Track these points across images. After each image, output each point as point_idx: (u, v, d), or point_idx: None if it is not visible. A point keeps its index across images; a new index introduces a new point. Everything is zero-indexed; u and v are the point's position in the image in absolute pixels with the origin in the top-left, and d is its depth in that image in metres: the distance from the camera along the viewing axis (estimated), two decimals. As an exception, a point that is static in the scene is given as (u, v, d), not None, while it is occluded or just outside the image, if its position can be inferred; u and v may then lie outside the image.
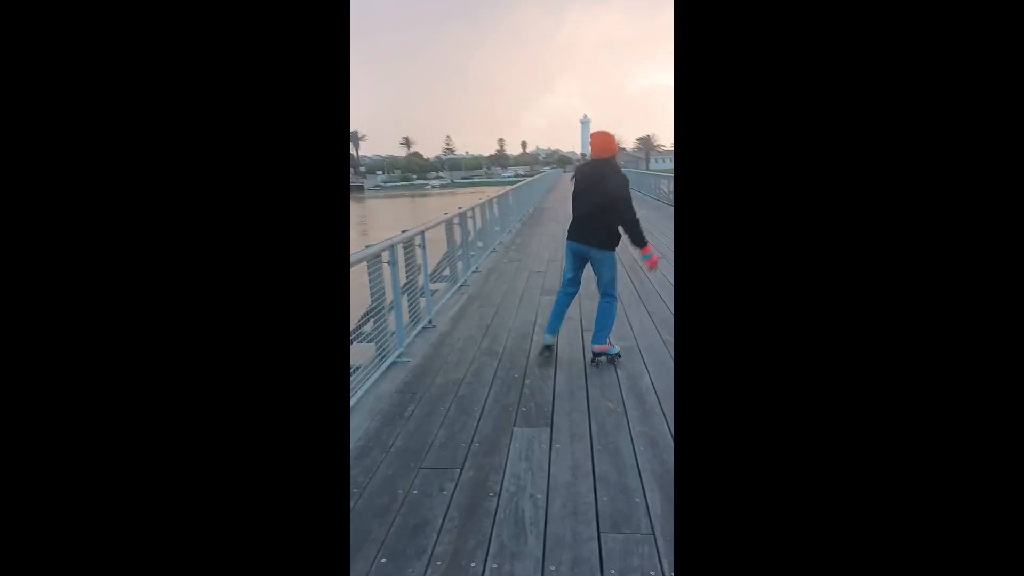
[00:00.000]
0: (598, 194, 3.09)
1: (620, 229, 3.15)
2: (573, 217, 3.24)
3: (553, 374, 3.18)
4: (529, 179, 19.36)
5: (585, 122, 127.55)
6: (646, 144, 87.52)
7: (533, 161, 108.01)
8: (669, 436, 2.41)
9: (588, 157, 3.25)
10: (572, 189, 3.27)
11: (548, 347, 3.43)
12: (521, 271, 6.35)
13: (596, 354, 3.26)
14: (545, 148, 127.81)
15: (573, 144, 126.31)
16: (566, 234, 3.32)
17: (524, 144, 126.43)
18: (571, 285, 3.34)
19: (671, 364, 3.26)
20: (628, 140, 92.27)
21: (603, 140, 3.17)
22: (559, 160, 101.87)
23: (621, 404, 2.75)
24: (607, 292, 3.24)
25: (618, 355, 3.31)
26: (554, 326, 3.42)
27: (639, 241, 3.13)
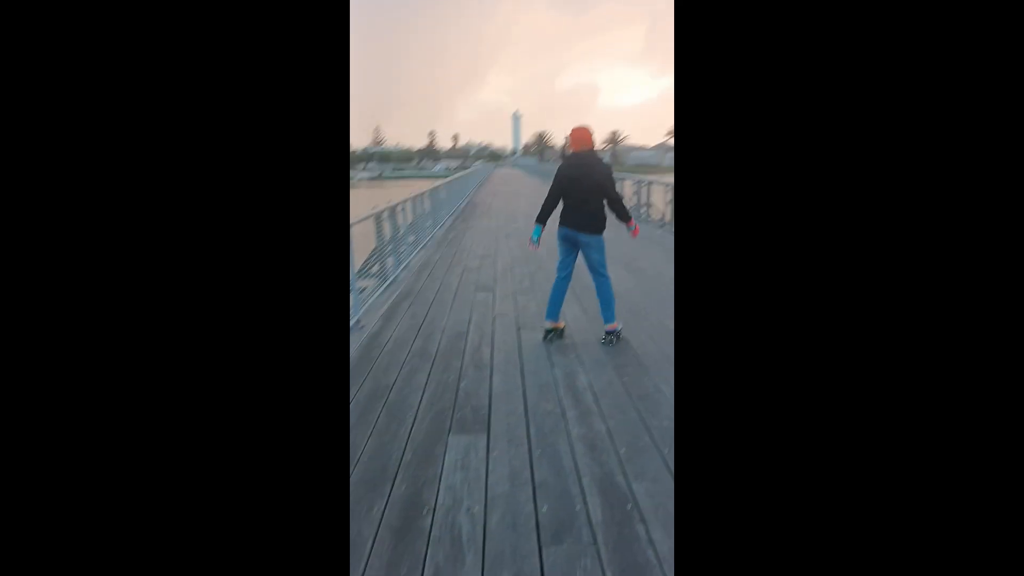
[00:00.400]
0: (587, 183, 3.38)
1: (606, 212, 3.47)
2: (564, 206, 3.51)
3: (489, 376, 3.07)
4: (461, 173, 19.13)
5: (517, 117, 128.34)
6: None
7: (465, 155, 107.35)
8: (607, 437, 2.36)
9: (566, 151, 3.55)
10: (556, 182, 3.51)
11: (549, 331, 3.60)
12: (454, 267, 6.19)
13: (608, 332, 3.51)
14: (477, 142, 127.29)
15: (505, 139, 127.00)
16: (558, 221, 3.55)
17: (456, 138, 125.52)
18: (563, 268, 3.59)
19: (605, 360, 3.24)
20: (559, 137, 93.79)
21: (582, 135, 3.46)
22: (491, 155, 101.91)
23: (558, 405, 2.69)
24: (599, 272, 3.49)
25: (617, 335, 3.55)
26: (553, 311, 3.60)
27: (626, 217, 3.54)
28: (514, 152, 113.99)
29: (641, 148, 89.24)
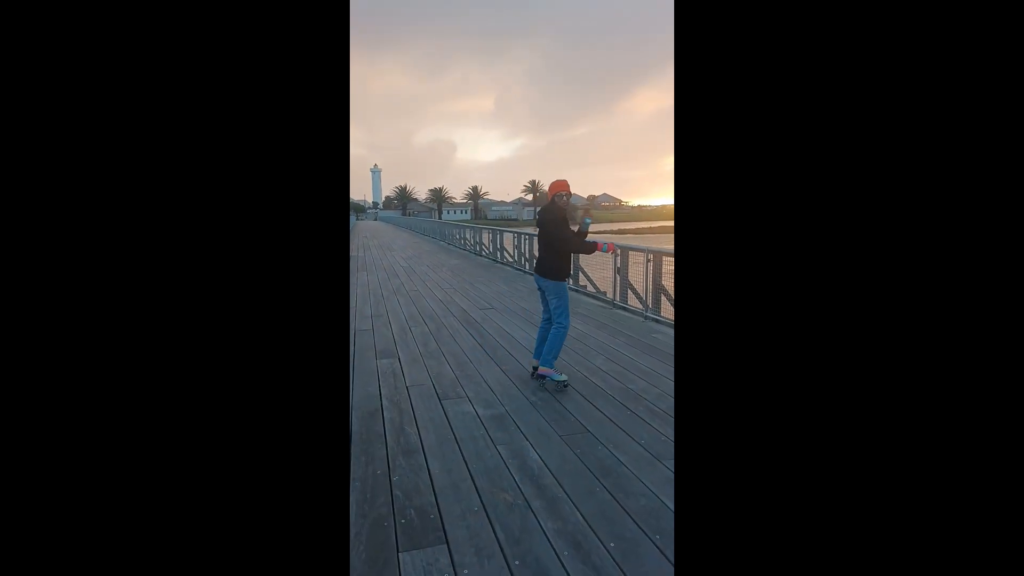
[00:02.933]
0: (544, 232, 3.65)
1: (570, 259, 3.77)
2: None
3: (424, 462, 2.58)
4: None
5: (376, 172, 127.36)
6: (437, 196, 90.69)
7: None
8: (587, 527, 2.03)
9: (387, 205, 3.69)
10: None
11: (535, 369, 3.71)
12: (342, 330, 5.51)
13: (538, 373, 3.64)
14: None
15: (365, 192, 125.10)
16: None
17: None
18: (544, 314, 3.77)
19: (550, 430, 2.93)
20: (421, 191, 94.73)
21: (552, 186, 3.67)
22: (352, 207, 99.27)
23: (519, 493, 2.30)
24: (558, 320, 3.59)
25: (565, 384, 3.59)
26: (537, 352, 3.78)
27: (587, 249, 3.66)
28: (376, 205, 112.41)
29: (501, 203, 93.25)
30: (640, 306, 6.14)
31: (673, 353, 4.52)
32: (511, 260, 11.58)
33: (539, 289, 3.76)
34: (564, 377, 3.62)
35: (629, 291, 6.43)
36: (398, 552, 1.90)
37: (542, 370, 3.61)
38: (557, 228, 3.61)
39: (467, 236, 15.98)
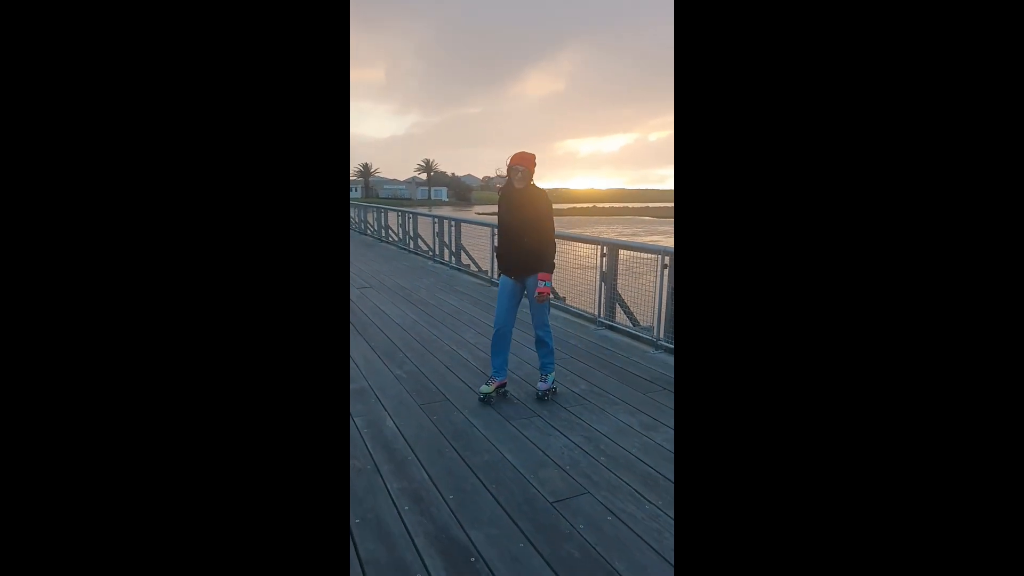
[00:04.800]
0: (526, 214, 3.01)
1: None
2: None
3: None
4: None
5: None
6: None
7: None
8: (433, 487, 2.16)
9: None
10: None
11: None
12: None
13: (547, 389, 3.15)
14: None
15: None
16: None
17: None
18: (506, 322, 3.13)
19: (411, 401, 3.03)
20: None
21: (524, 159, 2.98)
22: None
23: (369, 459, 2.37)
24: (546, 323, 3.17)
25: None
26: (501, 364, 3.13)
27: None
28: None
29: (394, 181, 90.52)
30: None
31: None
32: (396, 239, 11.42)
33: (513, 289, 3.04)
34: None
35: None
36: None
37: (545, 387, 3.11)
38: (548, 211, 2.96)
39: (352, 215, 15.44)
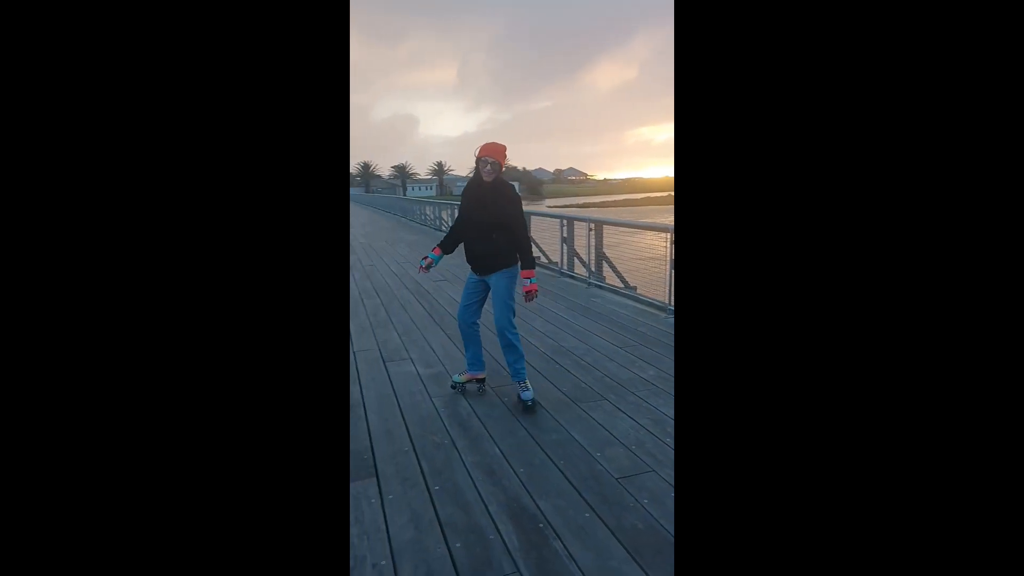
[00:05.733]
0: (494, 210, 2.81)
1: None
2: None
3: (364, 415, 2.82)
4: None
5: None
6: (402, 172, 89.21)
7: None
8: (504, 461, 2.32)
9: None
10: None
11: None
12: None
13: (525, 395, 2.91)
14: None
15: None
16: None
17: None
18: (473, 315, 3.07)
19: (484, 384, 3.21)
20: (384, 168, 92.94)
21: (493, 150, 2.80)
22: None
23: (446, 435, 2.57)
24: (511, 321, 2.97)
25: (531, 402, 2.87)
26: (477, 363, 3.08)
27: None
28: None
29: (467, 178, 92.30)
30: (585, 273, 6.45)
31: (605, 314, 4.85)
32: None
33: (476, 285, 2.94)
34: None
35: (576, 259, 6.73)
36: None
37: (525, 388, 2.86)
38: (517, 207, 2.78)
39: (427, 212, 16.02)
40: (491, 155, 2.74)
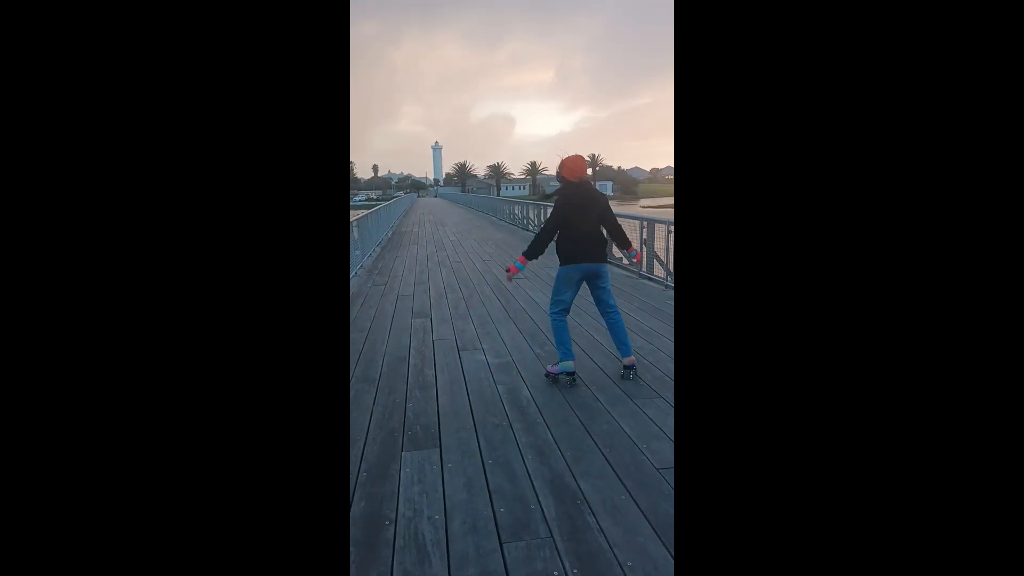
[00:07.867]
0: (595, 211, 3.31)
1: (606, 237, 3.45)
2: (573, 241, 3.25)
3: (435, 395, 3.16)
4: (384, 204, 19.10)
5: (437, 148, 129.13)
6: (496, 172, 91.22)
7: (386, 185, 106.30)
8: (554, 444, 2.53)
9: (562, 180, 3.33)
10: (562, 213, 3.26)
11: (571, 373, 3.29)
12: (388, 295, 6.20)
13: (628, 367, 3.37)
14: (397, 172, 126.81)
15: (425, 169, 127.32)
16: (566, 260, 3.30)
17: (375, 168, 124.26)
18: (568, 309, 3.39)
19: (544, 375, 3.43)
20: (480, 168, 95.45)
21: (579, 164, 3.32)
22: (412, 184, 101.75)
23: (505, 418, 2.83)
24: (613, 304, 3.45)
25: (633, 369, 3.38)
26: (569, 350, 3.31)
27: (627, 243, 3.69)
28: (437, 182, 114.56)
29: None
30: (663, 275, 6.44)
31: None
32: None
33: (582, 278, 3.35)
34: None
35: (655, 261, 6.72)
36: (401, 451, 2.49)
37: (628, 360, 3.35)
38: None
39: (516, 211, 16.45)
40: (560, 168, 3.35)
